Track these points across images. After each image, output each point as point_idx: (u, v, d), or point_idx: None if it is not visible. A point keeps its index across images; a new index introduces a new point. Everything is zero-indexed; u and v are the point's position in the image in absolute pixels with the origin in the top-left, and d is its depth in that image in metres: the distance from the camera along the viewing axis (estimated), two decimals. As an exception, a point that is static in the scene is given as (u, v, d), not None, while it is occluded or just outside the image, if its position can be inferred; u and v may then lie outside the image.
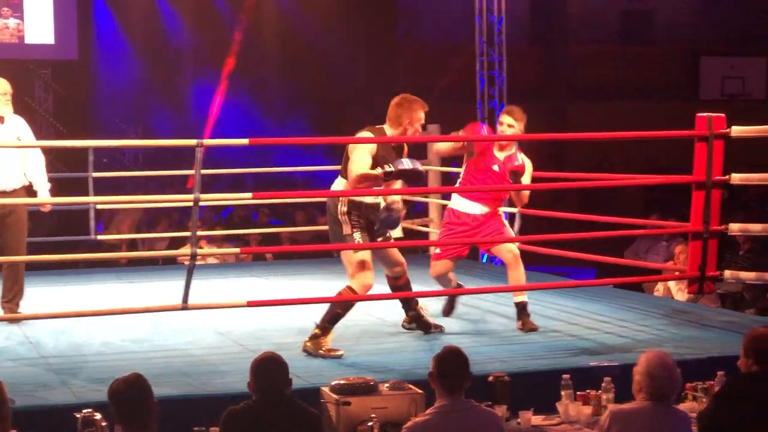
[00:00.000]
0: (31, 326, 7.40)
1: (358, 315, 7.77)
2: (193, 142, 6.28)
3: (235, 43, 18.38)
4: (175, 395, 5.50)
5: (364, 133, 6.75)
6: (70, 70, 18.21)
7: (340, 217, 6.69)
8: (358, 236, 6.68)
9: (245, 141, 6.59)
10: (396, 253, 7.05)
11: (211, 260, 11.03)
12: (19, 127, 7.87)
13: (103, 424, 4.66)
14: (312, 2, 17.72)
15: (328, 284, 8.54)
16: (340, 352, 6.49)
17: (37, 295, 8.59)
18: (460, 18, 15.60)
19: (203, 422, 4.97)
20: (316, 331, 6.56)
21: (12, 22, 17.42)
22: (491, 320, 7.76)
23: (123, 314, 6.96)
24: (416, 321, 7.23)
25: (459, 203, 7.52)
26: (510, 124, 7.40)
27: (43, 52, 17.67)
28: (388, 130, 6.81)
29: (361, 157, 6.59)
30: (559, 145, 17.16)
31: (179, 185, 16.70)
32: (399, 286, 7.09)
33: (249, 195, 6.62)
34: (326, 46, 18.10)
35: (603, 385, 5.56)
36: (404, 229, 10.37)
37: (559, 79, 19.96)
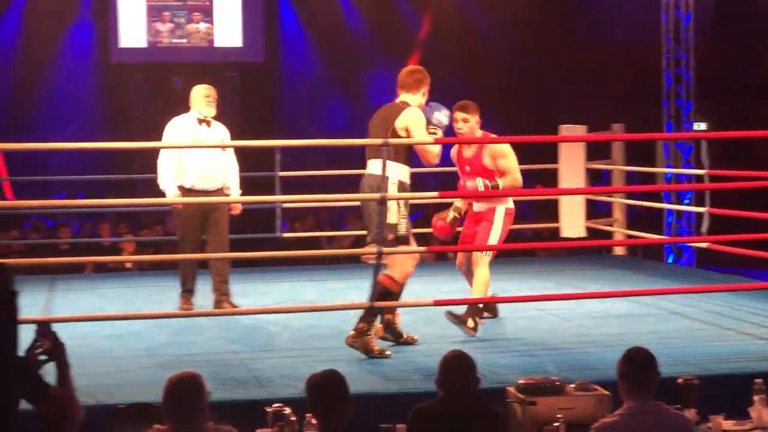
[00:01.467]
0: (224, 322, 7.61)
1: (534, 312, 7.75)
2: (379, 141, 6.35)
3: (418, 41, 18.46)
4: (362, 392, 5.57)
5: (416, 110, 6.75)
6: (257, 72, 18.63)
7: (390, 204, 6.56)
8: (403, 225, 6.64)
9: (431, 140, 6.61)
10: None
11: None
12: (224, 132, 8.20)
13: (293, 418, 4.76)
14: (492, 2, 17.68)
15: (512, 284, 8.53)
16: (388, 352, 6.51)
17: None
18: (643, 16, 15.34)
19: (390, 419, 5.01)
20: (362, 325, 6.49)
21: (202, 26, 17.96)
22: (677, 322, 7.62)
23: (310, 311, 7.07)
24: (389, 329, 6.96)
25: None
26: (464, 118, 7.26)
27: (232, 54, 18.16)
28: (408, 96, 6.88)
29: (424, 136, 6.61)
30: (747, 143, 16.73)
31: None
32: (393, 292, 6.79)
33: (435, 194, 6.65)
34: (505, 45, 18.03)
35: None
36: (588, 229, 10.27)
37: (746, 77, 19.41)
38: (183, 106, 8.25)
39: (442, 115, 6.71)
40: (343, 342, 6.69)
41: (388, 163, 6.46)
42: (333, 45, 18.61)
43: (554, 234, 10.60)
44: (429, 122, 6.66)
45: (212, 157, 8.05)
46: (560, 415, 4.99)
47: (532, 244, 11.43)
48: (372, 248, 6.63)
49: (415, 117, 6.63)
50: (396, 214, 6.56)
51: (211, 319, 7.70)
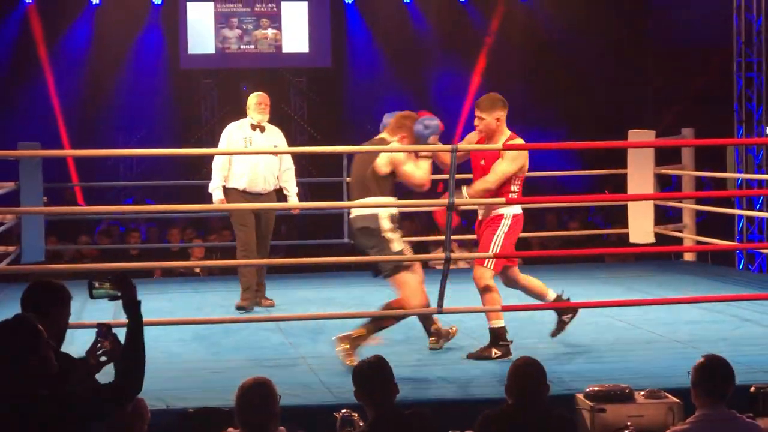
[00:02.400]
0: (290, 327, 7.64)
1: (603, 319, 7.70)
2: (447, 147, 6.35)
3: (485, 46, 18.41)
4: (430, 399, 5.57)
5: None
6: (324, 78, 18.69)
7: (385, 234, 6.52)
8: (408, 249, 6.66)
9: (499, 146, 6.59)
10: None
11: (461, 264, 11.08)
12: (276, 136, 8.63)
13: (361, 424, 4.76)
14: (561, 5, 17.58)
15: (579, 290, 8.48)
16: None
17: (294, 296, 8.92)
18: (714, 19, 15.17)
19: (459, 426, 5.00)
20: (361, 332, 6.49)
21: (270, 32, 18.05)
22: (749, 328, 7.53)
23: (379, 317, 7.05)
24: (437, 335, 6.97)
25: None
26: (479, 116, 6.79)
27: (299, 60, 18.24)
28: (390, 138, 6.72)
29: (413, 166, 6.54)
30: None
31: (429, 190, 16.88)
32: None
33: (503, 200, 6.62)
34: (573, 49, 17.91)
35: None
36: (658, 235, 10.19)
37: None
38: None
39: (432, 128, 6.56)
40: (411, 346, 6.72)
41: (372, 199, 6.55)
42: (399, 49, 18.61)
43: (623, 240, 10.53)
44: (424, 140, 6.55)
45: (262, 161, 8.50)
46: (630, 423, 4.95)
47: (600, 249, 11.37)
48: (440, 254, 6.64)
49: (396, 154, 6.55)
50: (399, 242, 6.55)
51: (279, 324, 7.73)
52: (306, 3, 18.07)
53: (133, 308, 3.92)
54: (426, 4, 18.41)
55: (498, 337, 6.64)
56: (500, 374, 4.83)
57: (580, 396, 5.22)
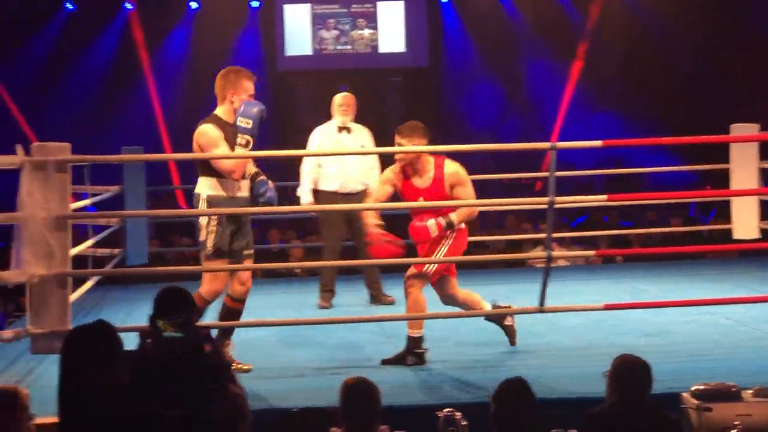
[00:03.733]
0: (390, 327, 7.64)
1: (707, 316, 7.57)
2: (546, 145, 6.31)
3: (582, 44, 18.26)
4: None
5: (203, 127, 6.29)
6: (421, 77, 18.69)
7: (201, 218, 6.26)
8: (213, 241, 6.23)
9: (599, 143, 6.52)
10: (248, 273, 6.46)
11: (561, 262, 11.02)
12: (363, 136, 8.71)
13: (464, 423, 4.75)
14: (659, 1, 17.37)
15: (683, 286, 8.37)
16: (247, 367, 6.29)
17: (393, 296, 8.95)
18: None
19: (560, 425, 4.96)
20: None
21: (366, 32, 18.13)
22: None
23: (480, 316, 7.05)
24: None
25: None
26: (398, 142, 6.49)
27: (396, 60, 18.27)
28: (219, 109, 6.40)
29: (222, 151, 6.18)
30: None
31: (524, 188, 16.80)
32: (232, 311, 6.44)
33: (604, 197, 6.56)
34: (674, 43, 17.69)
35: None
36: (763, 230, 9.99)
37: None
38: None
39: (249, 114, 6.25)
40: (514, 347, 6.72)
41: (200, 180, 6.32)
42: (495, 46, 18.55)
43: (726, 236, 10.34)
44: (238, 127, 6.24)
45: (351, 163, 8.57)
46: (737, 422, 4.87)
47: (703, 246, 11.20)
48: (540, 252, 6.59)
49: (201, 136, 6.27)
50: (204, 230, 6.24)
51: (377, 323, 7.74)
52: (402, 2, 18.11)
53: (197, 350, 3.96)
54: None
55: (416, 345, 6.50)
56: (596, 371, 4.77)
57: (686, 395, 5.14)
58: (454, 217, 6.42)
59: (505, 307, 6.83)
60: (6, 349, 7.20)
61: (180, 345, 3.97)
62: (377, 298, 8.73)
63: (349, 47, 18.18)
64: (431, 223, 6.38)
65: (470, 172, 13.51)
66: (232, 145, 6.22)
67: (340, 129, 8.63)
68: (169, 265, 11.38)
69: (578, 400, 5.42)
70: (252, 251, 6.41)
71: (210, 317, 6.70)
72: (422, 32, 18.29)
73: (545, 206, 6.37)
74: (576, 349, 6.82)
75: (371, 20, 18.12)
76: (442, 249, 6.54)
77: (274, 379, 6.20)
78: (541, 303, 6.42)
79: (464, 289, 6.79)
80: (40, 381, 6.26)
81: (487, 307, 6.79)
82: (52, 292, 5.81)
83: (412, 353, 6.51)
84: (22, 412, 4.35)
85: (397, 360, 6.51)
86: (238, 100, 6.28)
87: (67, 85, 17.49)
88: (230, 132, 6.24)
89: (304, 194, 8.69)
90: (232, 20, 18.09)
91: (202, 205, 6.25)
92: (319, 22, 18.10)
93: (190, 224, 13.63)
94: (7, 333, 6.09)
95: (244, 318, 7.56)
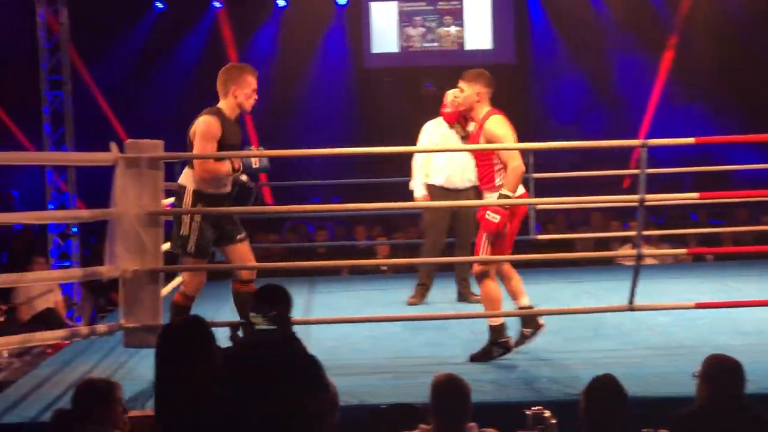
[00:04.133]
0: (477, 324, 7.61)
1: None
2: (637, 142, 6.24)
3: (671, 37, 18.03)
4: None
5: (205, 117, 6.19)
6: (508, 74, 18.60)
7: (183, 216, 6.17)
8: (195, 238, 6.18)
9: (691, 140, 6.44)
10: (249, 253, 6.45)
11: (649, 261, 10.91)
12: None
13: (553, 421, 4.72)
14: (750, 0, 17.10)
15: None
16: None
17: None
18: None
19: (650, 424, 4.92)
20: None
21: (453, 29, 18.10)
22: None
23: (569, 314, 7.02)
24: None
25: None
26: (460, 87, 6.61)
27: (482, 57, 18.18)
28: (222, 103, 6.30)
29: (205, 147, 6.06)
30: None
31: (612, 186, 16.63)
32: (243, 294, 6.42)
33: (696, 195, 6.47)
34: (764, 37, 17.40)
35: None
36: None
37: None
38: (433, 110, 8.54)
39: (263, 167, 6.33)
40: (603, 345, 6.66)
41: (186, 172, 6.23)
42: (582, 41, 18.39)
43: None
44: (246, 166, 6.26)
45: (458, 157, 8.45)
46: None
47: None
48: (629, 250, 6.52)
49: (200, 125, 6.17)
50: (187, 227, 6.19)
51: (463, 321, 7.73)
52: (489, -1, 18.07)
53: (288, 342, 4.00)
54: (610, -6, 18.18)
55: (498, 335, 6.47)
56: (686, 371, 4.73)
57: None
58: (504, 190, 6.30)
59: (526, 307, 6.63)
60: (99, 343, 7.33)
61: (272, 338, 4.01)
62: (465, 295, 8.71)
63: (435, 44, 18.18)
64: (491, 216, 6.24)
65: (558, 169, 13.48)
66: (229, 139, 6.22)
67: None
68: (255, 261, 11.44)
69: (668, 400, 5.37)
70: (245, 233, 6.43)
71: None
72: (509, 29, 18.21)
73: (634, 204, 6.30)
74: (666, 348, 6.74)
75: (458, 17, 18.09)
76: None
77: (362, 375, 6.22)
78: (631, 301, 6.37)
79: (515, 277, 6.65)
80: (132, 374, 6.37)
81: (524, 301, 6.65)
82: (144, 287, 5.90)
83: (497, 344, 6.47)
84: (117, 404, 4.44)
85: (485, 354, 6.48)
86: (241, 95, 6.30)
87: (157, 83, 17.73)
88: (230, 126, 6.27)
89: (417, 188, 8.63)
90: (319, 18, 18.18)
91: (188, 198, 6.21)
92: (405, 19, 18.12)
93: (275, 221, 13.78)
94: (101, 327, 6.21)
95: (334, 315, 7.62)
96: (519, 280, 6.66)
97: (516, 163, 6.30)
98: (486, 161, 6.46)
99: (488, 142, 6.41)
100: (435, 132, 8.53)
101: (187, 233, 6.17)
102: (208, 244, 6.29)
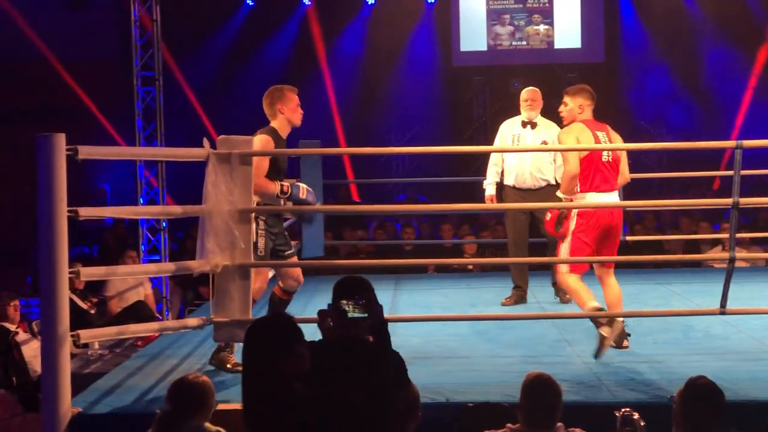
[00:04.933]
0: (565, 324, 7.58)
1: None
2: (732, 143, 6.15)
3: (766, 40, 17.75)
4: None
5: (262, 136, 6.41)
6: (598, 73, 18.47)
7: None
8: (262, 243, 6.37)
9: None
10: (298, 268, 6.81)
11: (739, 264, 10.75)
12: (548, 132, 8.50)
13: (642, 423, 4.69)
14: None
15: None
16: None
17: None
18: None
19: (742, 429, 4.85)
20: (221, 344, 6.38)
21: (542, 28, 18.01)
22: None
23: (658, 316, 6.95)
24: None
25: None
26: (564, 102, 6.84)
27: (571, 56, 18.08)
28: (274, 122, 6.52)
29: (259, 164, 6.24)
30: None
31: (702, 186, 16.44)
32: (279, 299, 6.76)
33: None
34: None
35: None
36: None
37: None
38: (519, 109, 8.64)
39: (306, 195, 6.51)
40: (693, 348, 6.60)
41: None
42: (673, 39, 18.19)
43: None
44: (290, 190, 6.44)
45: (528, 157, 8.49)
46: None
47: None
48: (721, 253, 6.44)
49: (256, 143, 6.30)
50: (254, 233, 6.27)
51: (554, 321, 7.69)
52: (579, -3, 17.94)
53: (379, 329, 4.00)
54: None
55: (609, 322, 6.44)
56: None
57: None
58: (558, 193, 6.70)
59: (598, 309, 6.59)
60: (188, 336, 7.43)
61: (365, 325, 4.02)
62: (559, 294, 8.65)
63: (524, 43, 18.10)
64: (548, 217, 6.67)
65: (645, 169, 13.29)
66: (280, 159, 6.52)
67: (525, 124, 8.53)
68: (342, 258, 11.52)
69: (759, 404, 5.29)
70: (293, 250, 6.77)
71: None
72: (599, 27, 18.06)
73: (726, 206, 6.22)
74: (758, 353, 6.65)
75: (547, 16, 17.99)
76: (566, 242, 6.62)
77: (451, 373, 6.22)
78: (723, 305, 6.28)
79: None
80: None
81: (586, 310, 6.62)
82: (234, 282, 5.95)
83: (605, 325, 6.40)
84: (210, 399, 4.54)
85: (601, 345, 6.40)
86: (287, 110, 6.55)
87: (246, 79, 17.89)
88: (281, 144, 6.56)
89: (487, 187, 8.68)
90: (408, 15, 18.21)
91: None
92: (494, 17, 18.06)
93: (362, 218, 13.83)
94: (193, 320, 6.27)
95: (420, 313, 7.63)
96: (614, 293, 6.77)
97: (568, 167, 6.59)
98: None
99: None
100: (508, 132, 8.58)
101: (255, 239, 6.32)
102: (271, 248, 6.55)
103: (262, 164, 6.31)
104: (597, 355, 6.39)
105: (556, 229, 6.65)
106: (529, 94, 8.54)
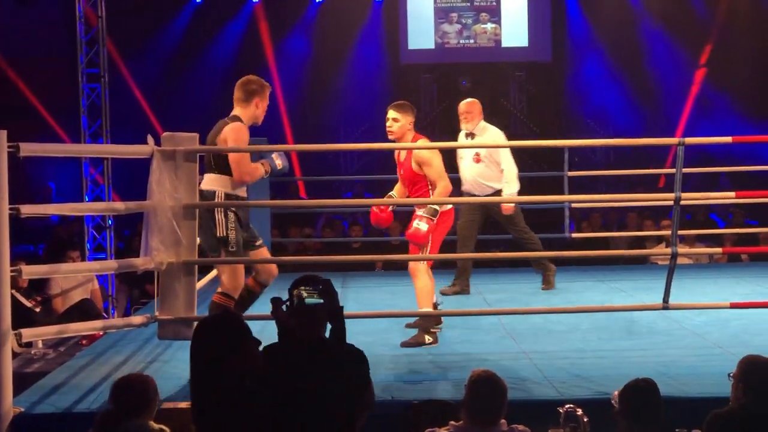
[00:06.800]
0: (509, 321, 7.62)
1: None
2: (674, 140, 6.21)
3: (710, 39, 17.92)
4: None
5: (236, 124, 6.21)
6: (544, 72, 18.57)
7: (217, 214, 6.17)
8: (233, 237, 6.20)
9: (728, 139, 6.41)
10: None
11: (683, 260, 10.86)
12: (483, 140, 8.78)
13: (585, 419, 4.71)
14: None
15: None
16: None
17: (516, 291, 8.93)
18: None
19: (683, 424, 4.89)
20: None
21: (489, 26, 18.07)
22: None
23: (602, 311, 6.99)
24: None
25: None
26: (395, 117, 7.10)
27: (518, 54, 18.17)
28: (239, 110, 6.33)
29: (242, 153, 6.16)
30: None
31: (649, 183, 16.56)
32: (255, 294, 6.60)
33: (732, 194, 6.44)
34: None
35: None
36: None
37: None
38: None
39: (279, 160, 6.43)
40: (637, 344, 6.64)
41: (211, 177, 6.23)
42: (620, 40, 18.31)
43: None
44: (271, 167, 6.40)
45: (467, 168, 8.86)
46: None
47: None
48: (662, 249, 6.50)
49: (235, 129, 6.19)
50: (224, 227, 6.19)
51: (496, 317, 7.72)
52: (526, -4, 18.02)
53: (336, 315, 3.99)
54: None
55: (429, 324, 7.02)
56: (721, 371, 4.71)
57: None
58: (435, 206, 6.87)
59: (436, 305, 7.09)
60: (133, 334, 7.37)
61: (322, 312, 4.00)
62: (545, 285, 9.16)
63: (471, 41, 18.15)
64: (420, 225, 6.81)
65: (592, 167, 13.36)
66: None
67: (467, 135, 8.78)
68: (289, 254, 11.50)
69: (702, 400, 5.33)
70: (261, 241, 6.60)
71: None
72: (546, 26, 18.16)
73: (669, 203, 6.28)
74: (700, 348, 6.71)
75: (494, 14, 18.05)
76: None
77: (395, 370, 6.23)
78: (665, 300, 6.34)
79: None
80: (166, 366, 6.40)
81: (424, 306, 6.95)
82: (179, 280, 5.92)
83: (428, 332, 6.94)
84: (154, 397, 4.52)
85: (416, 345, 6.89)
86: (261, 107, 6.40)
87: (193, 77, 17.80)
88: (249, 135, 6.44)
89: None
90: (356, 13, 18.20)
91: (220, 201, 6.23)
92: (441, 15, 18.10)
93: (309, 215, 13.81)
94: (137, 319, 6.23)
95: (366, 310, 7.62)
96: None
97: (445, 182, 6.91)
98: (420, 182, 7.00)
99: (418, 162, 6.96)
100: (460, 142, 8.89)
101: (224, 233, 6.20)
102: (242, 242, 6.34)
103: (244, 154, 6.20)
104: (407, 344, 6.89)
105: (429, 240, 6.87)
106: (464, 107, 8.84)
